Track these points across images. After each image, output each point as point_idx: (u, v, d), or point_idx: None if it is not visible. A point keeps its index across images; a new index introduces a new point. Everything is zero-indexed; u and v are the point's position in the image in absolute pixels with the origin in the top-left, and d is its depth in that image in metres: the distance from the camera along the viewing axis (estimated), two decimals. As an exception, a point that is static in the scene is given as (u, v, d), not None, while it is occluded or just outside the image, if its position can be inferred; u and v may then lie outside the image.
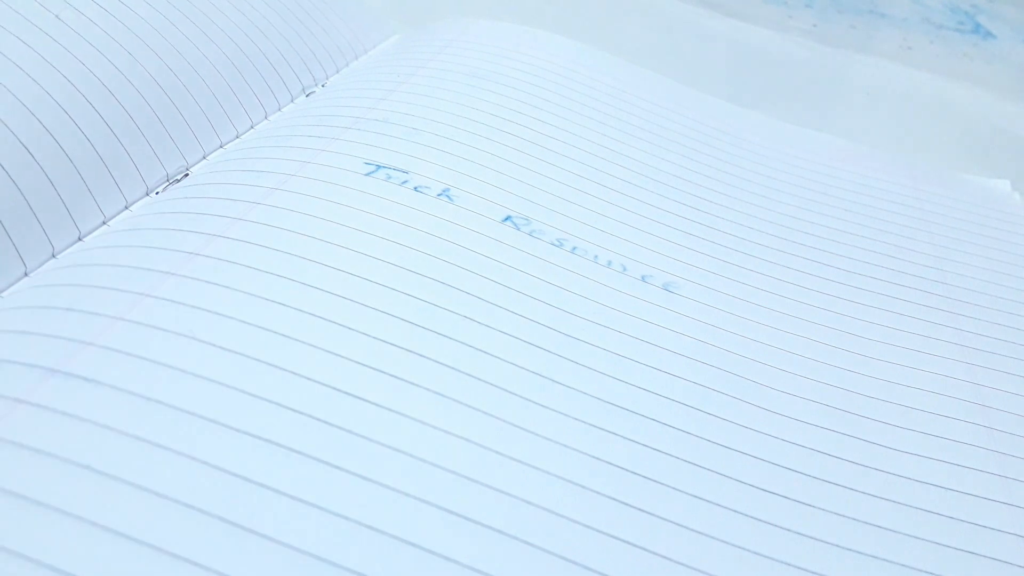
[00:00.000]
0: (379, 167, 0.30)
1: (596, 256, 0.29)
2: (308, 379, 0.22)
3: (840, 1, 0.71)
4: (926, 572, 0.22)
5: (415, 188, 0.30)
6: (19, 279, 0.25)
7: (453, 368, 0.24)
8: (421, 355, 0.24)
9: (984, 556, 0.23)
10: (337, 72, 0.41)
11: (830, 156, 0.39)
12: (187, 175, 0.31)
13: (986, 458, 0.25)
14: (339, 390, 0.22)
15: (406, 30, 0.47)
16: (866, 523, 0.23)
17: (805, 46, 0.62)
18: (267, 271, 0.25)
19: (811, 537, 0.22)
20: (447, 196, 0.30)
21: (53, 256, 0.26)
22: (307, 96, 0.38)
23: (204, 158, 0.32)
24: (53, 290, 0.24)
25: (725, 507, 0.22)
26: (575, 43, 0.44)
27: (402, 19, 0.49)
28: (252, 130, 0.35)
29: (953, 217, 0.35)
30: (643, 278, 0.29)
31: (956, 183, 0.39)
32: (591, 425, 0.24)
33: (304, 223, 0.27)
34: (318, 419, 0.21)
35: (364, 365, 0.23)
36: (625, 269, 0.29)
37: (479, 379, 0.24)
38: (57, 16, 0.31)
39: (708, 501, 0.22)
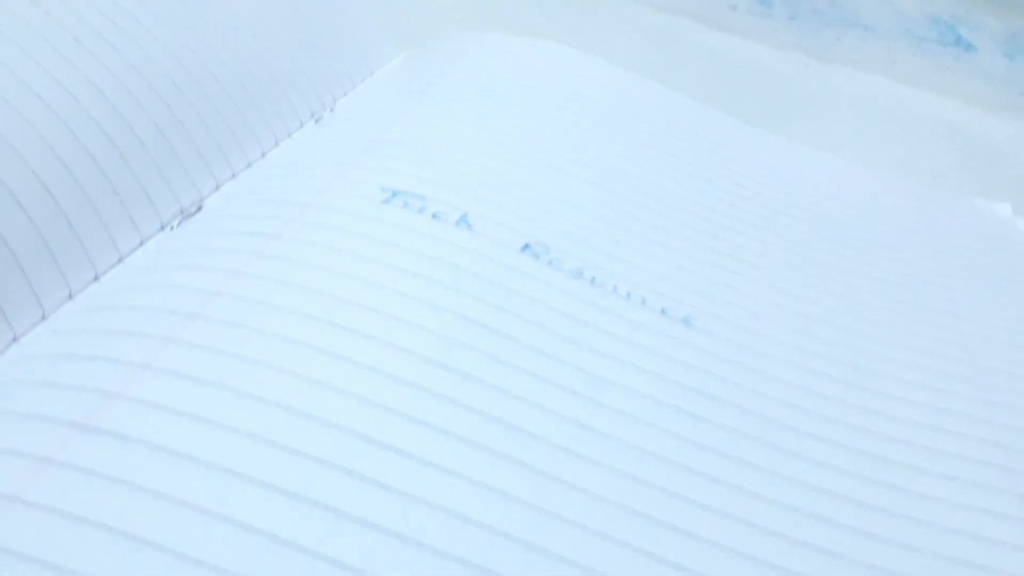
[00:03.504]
0: (396, 193, 0.29)
1: (615, 287, 0.28)
2: (334, 426, 0.21)
3: (825, 13, 0.70)
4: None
5: (433, 215, 0.29)
6: (37, 323, 0.24)
7: (472, 409, 0.23)
8: (441, 395, 0.23)
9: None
10: (345, 95, 0.40)
11: (838, 178, 0.38)
12: (200, 208, 0.30)
13: (1008, 503, 0.24)
14: (360, 434, 0.21)
15: (410, 50, 0.46)
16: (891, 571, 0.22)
17: (792, 60, 0.61)
18: (289, 309, 0.24)
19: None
20: (466, 223, 0.29)
21: (70, 297, 0.25)
22: (316, 121, 0.37)
23: (217, 188, 0.31)
24: (74, 337, 0.22)
25: (758, 559, 0.21)
26: (585, 55, 0.43)
27: (405, 39, 0.47)
28: (263, 158, 0.33)
29: (960, 245, 0.35)
30: (663, 311, 0.28)
31: (961, 208, 0.38)
32: (612, 469, 0.22)
33: (323, 257, 0.26)
34: (341, 468, 0.20)
35: (386, 408, 0.22)
36: (644, 302, 0.28)
37: (498, 420, 0.23)
38: (76, 39, 0.29)
39: (740, 553, 0.21)
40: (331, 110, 0.38)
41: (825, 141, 0.49)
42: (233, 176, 0.32)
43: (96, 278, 0.26)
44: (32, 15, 0.29)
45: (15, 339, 0.23)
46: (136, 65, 0.30)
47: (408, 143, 0.32)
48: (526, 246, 0.29)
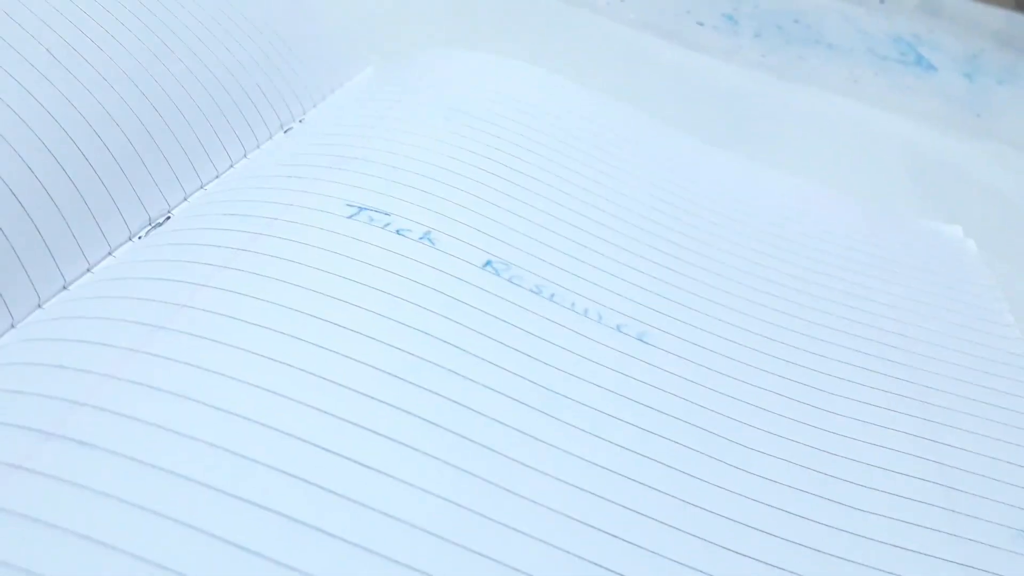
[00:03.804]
0: (361, 209, 0.30)
1: (573, 303, 0.29)
2: (296, 438, 0.22)
3: (787, 31, 0.72)
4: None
5: (397, 231, 0.29)
6: (6, 331, 0.24)
7: (433, 423, 0.23)
8: (402, 410, 0.23)
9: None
10: (314, 106, 0.40)
11: (794, 198, 0.39)
12: (169, 218, 0.30)
13: (940, 517, 0.25)
14: (324, 448, 0.22)
15: (381, 60, 0.46)
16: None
17: (756, 79, 0.62)
18: (253, 323, 0.24)
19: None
20: (428, 240, 0.29)
21: (39, 306, 0.25)
22: (285, 132, 0.38)
23: (185, 199, 0.31)
24: (42, 345, 0.23)
25: (701, 571, 0.22)
26: (550, 75, 0.44)
27: (375, 48, 0.48)
28: (232, 169, 0.34)
29: (910, 266, 0.36)
30: (618, 327, 0.29)
31: (913, 228, 0.39)
32: (569, 484, 0.23)
33: (289, 271, 0.26)
34: (302, 479, 0.21)
35: (348, 421, 0.22)
36: (601, 318, 0.29)
37: (459, 435, 0.23)
38: (48, 51, 0.30)
39: (685, 565, 0.22)
40: (300, 121, 0.39)
41: (785, 160, 0.50)
42: (202, 187, 0.32)
43: (65, 287, 0.26)
44: (5, 28, 0.29)
45: (-17, 346, 0.24)
46: (107, 77, 0.30)
47: (375, 160, 0.33)
48: (488, 262, 0.29)
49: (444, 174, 0.33)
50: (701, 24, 0.69)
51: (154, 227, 0.29)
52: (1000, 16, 0.81)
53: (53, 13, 0.31)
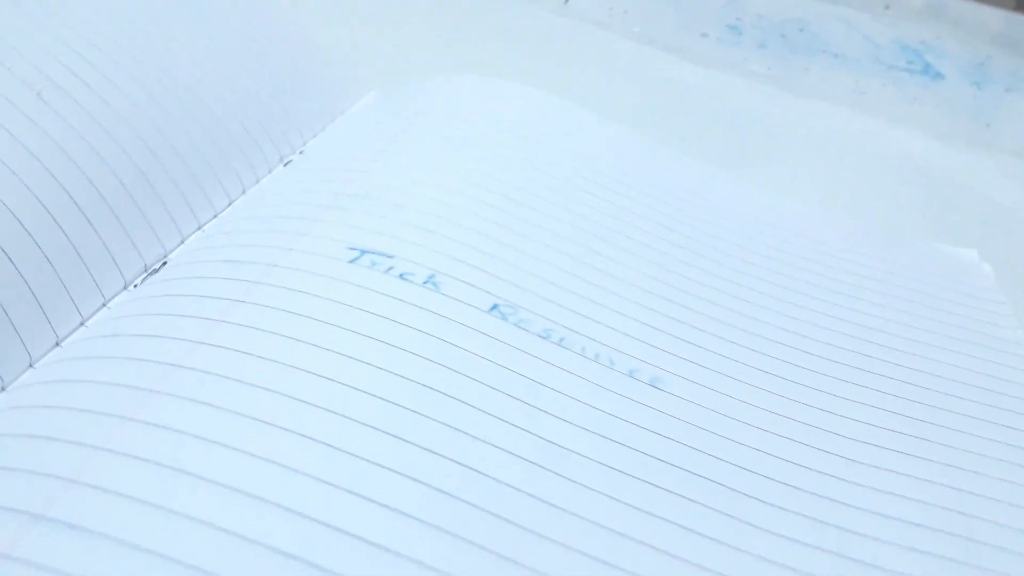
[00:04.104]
0: (363, 252, 0.29)
1: (584, 348, 0.28)
2: (285, 507, 0.21)
3: (792, 40, 0.71)
4: None
5: (400, 276, 0.28)
6: (-4, 395, 0.23)
7: (439, 490, 0.22)
8: (406, 476, 0.22)
9: None
10: (314, 136, 0.39)
11: (806, 227, 0.38)
12: (165, 263, 0.29)
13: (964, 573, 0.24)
14: (320, 522, 0.21)
15: (382, 85, 0.45)
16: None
17: (761, 92, 0.61)
18: (249, 383, 0.23)
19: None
20: (433, 284, 0.28)
21: (31, 366, 0.24)
22: (285, 165, 0.37)
23: (182, 242, 0.30)
24: (33, 414, 0.22)
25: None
26: (555, 99, 0.43)
27: (376, 74, 0.47)
28: (230, 207, 0.33)
29: (927, 294, 0.35)
30: (630, 373, 0.27)
31: (927, 254, 0.38)
32: (572, 547, 0.22)
33: (289, 324, 0.25)
34: (292, 555, 0.20)
35: (348, 491, 0.21)
36: (613, 363, 0.28)
37: (456, 497, 0.22)
38: (39, 94, 0.29)
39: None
40: (300, 152, 0.38)
41: (792, 178, 0.49)
42: (200, 227, 0.31)
43: (58, 343, 0.25)
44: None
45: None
46: (99, 119, 0.29)
47: (376, 197, 0.32)
48: (494, 306, 0.28)
49: (447, 210, 0.32)
50: (705, 36, 0.68)
51: (150, 274, 0.28)
52: (1002, 18, 0.80)
53: (42, 53, 0.30)
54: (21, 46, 0.30)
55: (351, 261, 0.28)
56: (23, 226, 0.25)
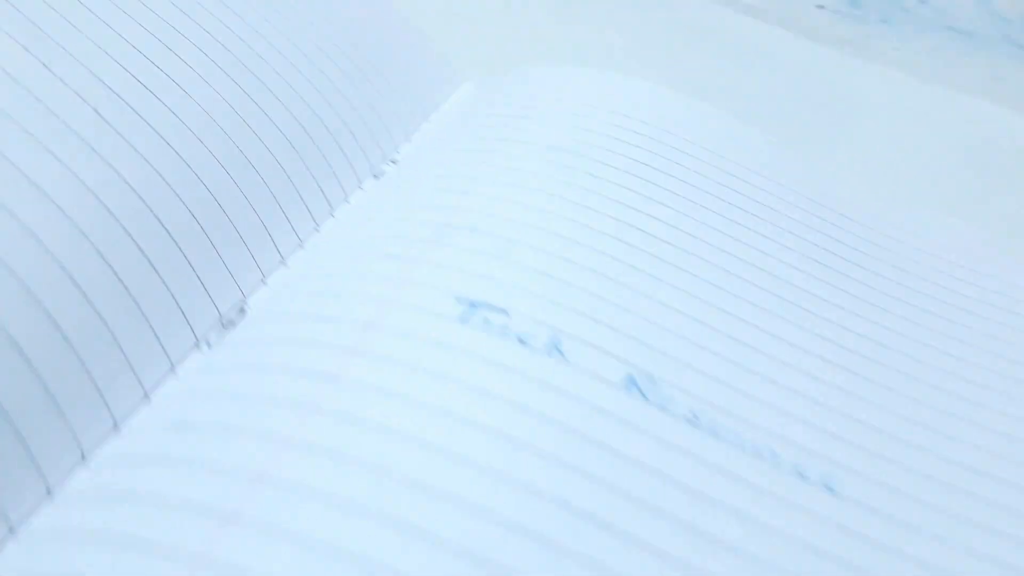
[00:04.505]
0: (474, 305, 0.24)
1: (741, 440, 0.23)
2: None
3: (916, 14, 0.64)
4: None
5: (519, 339, 0.23)
6: (42, 499, 0.19)
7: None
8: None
9: None
10: (408, 139, 0.34)
11: (974, 256, 0.33)
12: (243, 311, 0.25)
13: None
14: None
15: (476, 74, 0.40)
16: None
17: (890, 79, 0.55)
18: (338, 497, 0.19)
19: None
20: (558, 350, 0.23)
21: (83, 458, 0.20)
22: (376, 178, 0.32)
23: (263, 281, 0.26)
24: (98, 519, 0.18)
25: None
26: (681, 97, 0.37)
27: (470, 60, 0.42)
28: (316, 233, 0.28)
29: None
30: (800, 473, 0.22)
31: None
32: None
33: (388, 413, 0.21)
34: None
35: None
36: (777, 458, 0.23)
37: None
38: (96, 110, 0.24)
39: None
40: (393, 162, 0.33)
41: (933, 183, 0.44)
42: (283, 262, 0.27)
43: (115, 426, 0.21)
44: (43, 80, 0.23)
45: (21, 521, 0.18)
46: (169, 139, 0.25)
47: (484, 229, 0.27)
48: (630, 380, 0.23)
49: (567, 245, 0.27)
50: (821, 7, 0.61)
51: (225, 328, 0.24)
52: None
53: (96, 53, 0.25)
54: (72, 44, 0.25)
55: (460, 319, 0.23)
56: (74, 280, 0.21)
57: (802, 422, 0.24)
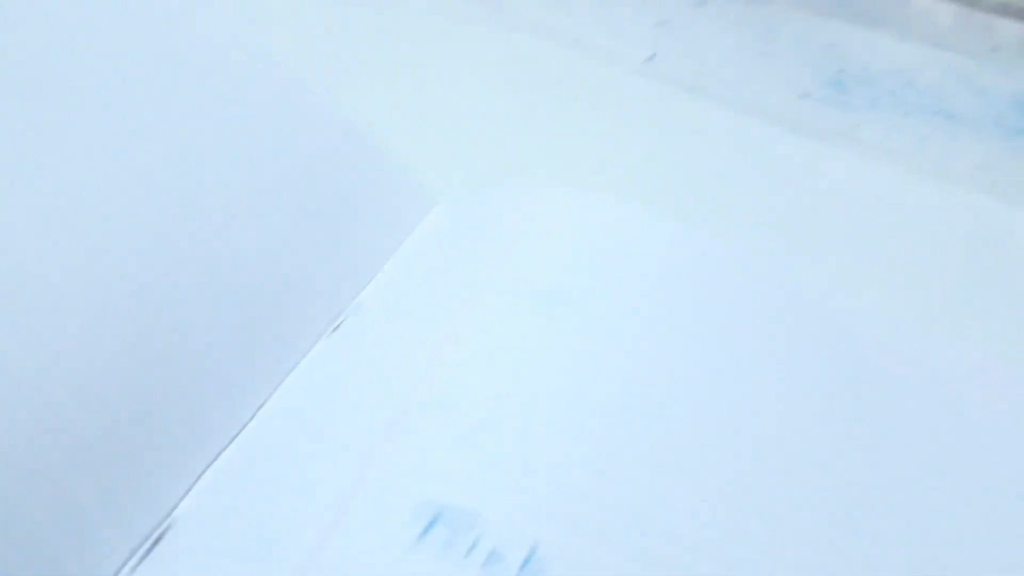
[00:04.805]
0: (438, 514, 0.20)
1: None
2: None
3: (903, 97, 0.62)
4: None
5: (489, 555, 0.20)
6: None
7: None
8: None
9: None
10: (371, 280, 0.31)
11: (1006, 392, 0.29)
12: (169, 529, 0.21)
13: None
14: None
15: (449, 193, 0.37)
16: None
17: (881, 172, 0.52)
18: None
19: None
20: (536, 569, 0.20)
21: None
22: (334, 331, 0.28)
23: (189, 491, 0.22)
24: None
25: None
26: (671, 225, 0.34)
27: (442, 176, 0.38)
28: (261, 412, 0.25)
29: None
30: None
31: None
32: None
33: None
34: None
35: None
36: None
37: None
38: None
39: None
40: (357, 309, 0.29)
41: (944, 305, 0.41)
42: (219, 456, 0.23)
43: None
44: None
45: None
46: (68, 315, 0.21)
47: (452, 405, 0.23)
48: (622, 605, 0.20)
49: (547, 420, 0.23)
50: (806, 96, 0.58)
51: (140, 560, 0.20)
52: None
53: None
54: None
55: (422, 535, 0.20)
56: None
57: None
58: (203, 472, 0.22)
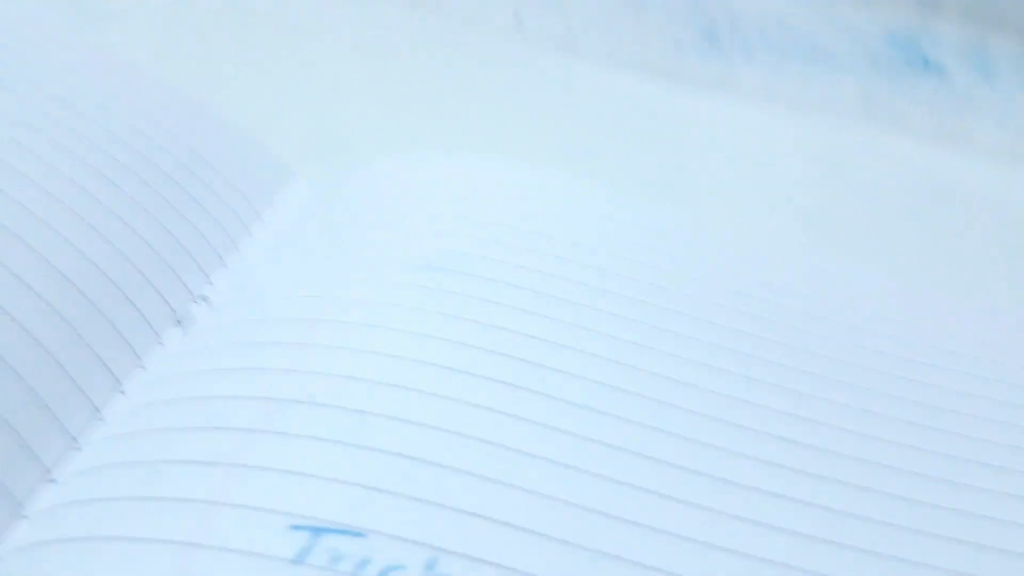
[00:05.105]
0: (316, 534, 0.17)
1: None
2: None
3: (780, 45, 0.60)
4: None
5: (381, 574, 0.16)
6: None
7: None
8: None
9: None
10: (222, 263, 0.27)
11: (913, 317, 0.27)
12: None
13: None
14: None
15: (307, 170, 0.33)
16: None
17: (766, 116, 0.50)
18: None
19: None
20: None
21: None
22: (181, 327, 0.24)
23: (24, 518, 0.18)
24: None
25: None
26: (554, 176, 0.31)
27: (299, 153, 0.34)
28: (99, 422, 0.21)
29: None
30: None
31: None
32: None
33: None
34: None
35: None
36: None
37: None
38: None
39: None
40: (204, 298, 0.25)
41: (840, 230, 0.39)
42: (44, 478, 0.19)
43: None
44: None
45: None
46: None
47: (327, 401, 0.19)
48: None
49: (441, 408, 0.20)
50: (679, 46, 0.56)
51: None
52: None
53: None
54: None
55: (295, 560, 0.16)
56: None
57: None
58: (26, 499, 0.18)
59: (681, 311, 0.23)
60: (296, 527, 0.17)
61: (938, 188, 0.44)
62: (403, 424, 0.19)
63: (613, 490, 0.18)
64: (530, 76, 0.47)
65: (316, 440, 0.18)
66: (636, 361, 0.21)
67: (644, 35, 0.55)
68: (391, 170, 0.29)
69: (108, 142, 0.27)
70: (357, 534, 0.17)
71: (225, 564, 0.16)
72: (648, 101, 0.47)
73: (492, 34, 0.51)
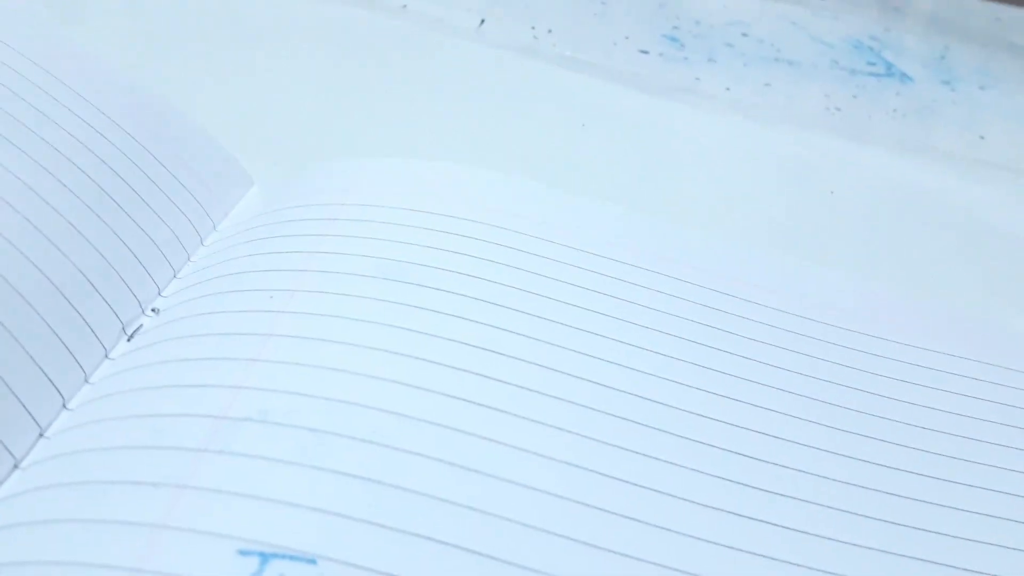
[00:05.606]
0: (265, 560, 0.16)
1: None
2: None
3: (741, 49, 0.59)
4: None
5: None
6: None
7: None
8: None
9: None
10: (174, 274, 0.26)
11: (869, 314, 0.26)
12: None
13: None
14: None
15: (266, 176, 0.32)
16: None
17: (728, 123, 0.49)
18: None
19: None
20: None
21: None
22: (129, 340, 0.23)
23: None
24: None
25: None
26: (512, 180, 0.30)
27: (258, 155, 0.34)
28: (43, 441, 0.20)
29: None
30: None
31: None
32: None
33: None
34: None
35: None
36: None
37: None
38: None
39: None
40: (153, 310, 0.24)
41: (805, 241, 0.38)
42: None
43: None
44: None
45: None
46: None
47: (279, 419, 0.19)
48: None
49: (397, 425, 0.19)
50: (645, 52, 0.55)
51: None
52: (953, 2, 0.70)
53: None
54: None
55: (247, 583, 0.15)
56: None
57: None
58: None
59: (643, 324, 0.23)
60: (245, 552, 0.16)
61: (901, 193, 0.43)
62: (359, 444, 0.18)
63: (571, 510, 0.18)
64: (493, 80, 0.47)
65: (267, 460, 0.18)
66: (595, 375, 0.21)
67: (608, 40, 0.55)
68: (343, 174, 0.29)
69: (65, 146, 0.26)
70: (308, 560, 0.16)
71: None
72: (612, 106, 0.46)
73: (456, 37, 0.51)
